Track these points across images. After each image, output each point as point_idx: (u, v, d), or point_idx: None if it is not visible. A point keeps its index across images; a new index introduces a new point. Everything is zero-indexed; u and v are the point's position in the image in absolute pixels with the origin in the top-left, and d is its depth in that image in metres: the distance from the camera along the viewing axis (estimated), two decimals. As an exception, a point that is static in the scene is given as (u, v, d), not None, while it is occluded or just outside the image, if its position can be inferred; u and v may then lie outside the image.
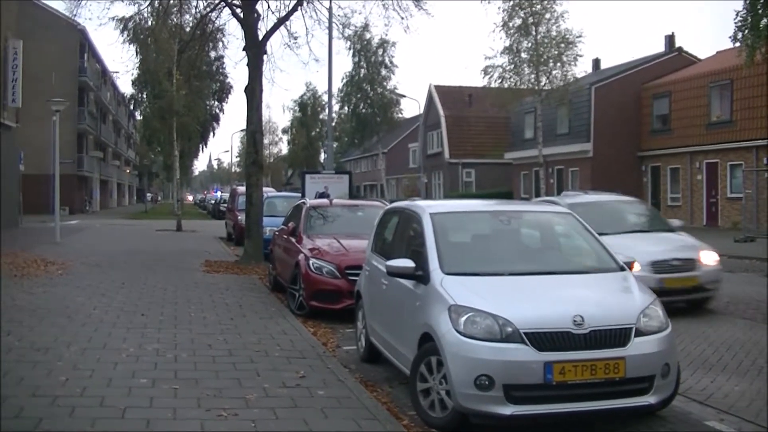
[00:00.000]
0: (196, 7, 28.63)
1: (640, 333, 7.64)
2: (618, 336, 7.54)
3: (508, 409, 7.25)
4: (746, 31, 24.13)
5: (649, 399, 7.59)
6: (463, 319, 7.58)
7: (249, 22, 23.97)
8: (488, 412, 7.31)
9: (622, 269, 8.92)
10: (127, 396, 8.27)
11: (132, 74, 54.90)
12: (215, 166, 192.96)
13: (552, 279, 8.58)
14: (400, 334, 9.12)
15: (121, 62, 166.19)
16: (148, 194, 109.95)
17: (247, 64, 24.10)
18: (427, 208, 9.79)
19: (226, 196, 65.27)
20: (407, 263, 8.85)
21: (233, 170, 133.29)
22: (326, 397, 8.46)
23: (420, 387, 7.98)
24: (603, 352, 7.42)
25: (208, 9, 27.12)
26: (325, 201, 19.20)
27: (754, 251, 29.15)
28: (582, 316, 7.47)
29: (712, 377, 10.10)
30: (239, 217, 30.16)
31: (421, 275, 8.63)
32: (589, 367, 7.33)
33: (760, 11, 23.53)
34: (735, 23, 24.32)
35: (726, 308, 16.27)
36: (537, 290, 8.25)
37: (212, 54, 46.38)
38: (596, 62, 61.38)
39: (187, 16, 31.01)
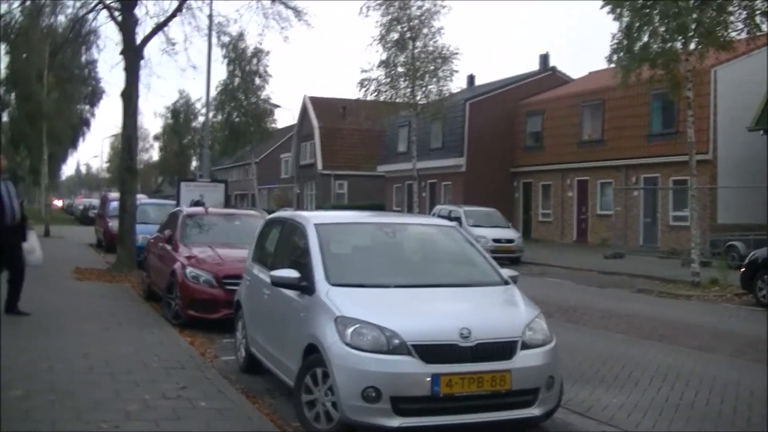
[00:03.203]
0: (72, 8, 27.84)
1: (525, 346, 7.70)
2: (504, 349, 7.59)
3: (396, 421, 7.21)
4: (621, 54, 24.71)
5: (534, 411, 7.67)
6: (350, 330, 7.51)
7: (127, 26, 23.51)
8: (375, 425, 7.24)
9: (507, 283, 8.97)
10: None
11: (-1, 74, 53.37)
12: (84, 171, 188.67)
13: (438, 292, 8.58)
14: (283, 345, 9.00)
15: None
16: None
17: (124, 69, 23.65)
18: (311, 218, 9.69)
19: (91, 202, 63.85)
20: (292, 273, 8.72)
21: (102, 176, 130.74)
22: (208, 408, 8.28)
23: (305, 399, 7.86)
24: (489, 365, 7.45)
25: (84, 10, 26.48)
26: (201, 209, 18.92)
27: (622, 267, 29.95)
28: (469, 329, 7.48)
29: (591, 390, 10.24)
30: (110, 224, 29.57)
31: (306, 286, 8.51)
32: (476, 379, 7.35)
33: (635, 35, 24.12)
34: (611, 45, 24.88)
35: (600, 323, 16.60)
36: (424, 303, 8.25)
37: (86, 57, 45.23)
38: (471, 78, 62.05)
39: (62, 17, 30.17)
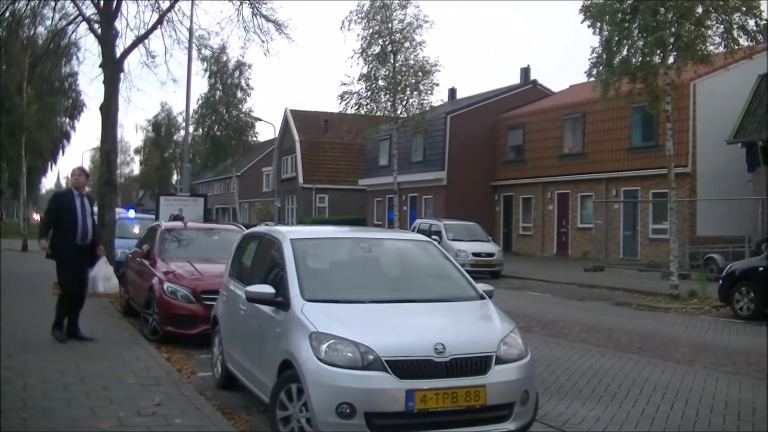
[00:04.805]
0: (51, 20, 27.78)
1: (500, 361, 7.70)
2: (479, 364, 7.58)
3: (370, 438, 7.19)
4: (601, 67, 24.84)
5: (509, 426, 7.66)
6: (325, 346, 7.49)
7: (107, 39, 23.46)
8: (349, 441, 7.23)
9: (482, 298, 8.97)
10: (-29, 427, 7.85)
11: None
12: (63, 185, 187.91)
13: (413, 307, 8.58)
14: (259, 360, 8.97)
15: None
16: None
17: (104, 82, 23.60)
18: (287, 233, 9.66)
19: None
20: (267, 289, 8.71)
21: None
22: (184, 425, 8.23)
23: (280, 415, 7.82)
24: (464, 380, 7.45)
25: (64, 22, 26.46)
26: (179, 224, 18.86)
27: (602, 280, 30.03)
28: (443, 344, 7.48)
29: (568, 403, 10.26)
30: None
31: (281, 301, 8.49)
32: (451, 394, 7.34)
33: (614, 48, 24.26)
34: (590, 59, 25.05)
35: (579, 336, 16.62)
36: (398, 318, 8.23)
37: (66, 69, 45.08)
38: (452, 92, 62.27)
39: (41, 29, 30.12)
